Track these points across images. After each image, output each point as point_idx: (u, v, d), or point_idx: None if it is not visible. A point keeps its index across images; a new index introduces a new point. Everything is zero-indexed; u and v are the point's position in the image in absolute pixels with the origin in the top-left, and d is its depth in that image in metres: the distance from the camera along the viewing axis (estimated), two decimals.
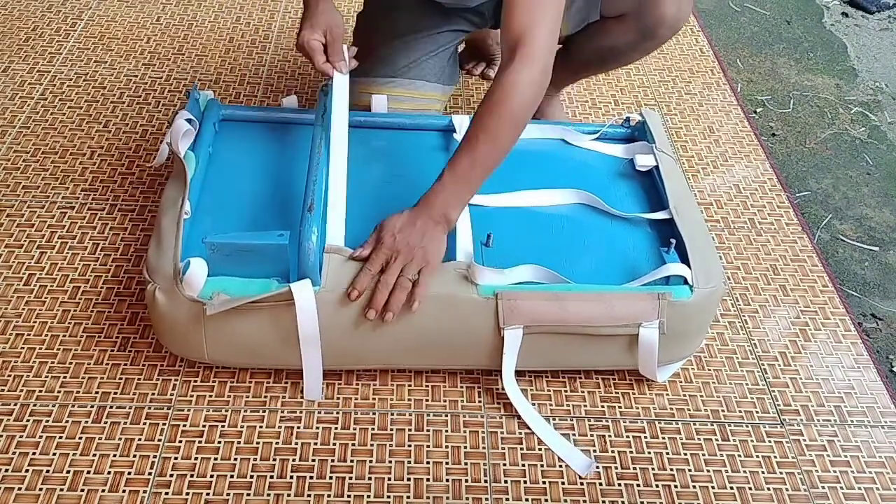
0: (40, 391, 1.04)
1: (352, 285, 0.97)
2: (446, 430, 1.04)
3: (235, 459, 0.98)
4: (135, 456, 0.98)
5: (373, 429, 1.03)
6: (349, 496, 0.96)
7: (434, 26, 1.35)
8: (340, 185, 1.08)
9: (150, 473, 0.96)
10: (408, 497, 0.96)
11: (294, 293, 0.95)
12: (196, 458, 0.98)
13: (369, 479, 0.98)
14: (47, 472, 0.95)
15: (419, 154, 1.26)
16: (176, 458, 0.98)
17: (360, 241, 1.02)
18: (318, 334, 0.98)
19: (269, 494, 0.95)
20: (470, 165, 1.01)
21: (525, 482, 0.99)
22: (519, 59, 1.00)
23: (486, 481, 0.99)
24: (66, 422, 1.01)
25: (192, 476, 0.96)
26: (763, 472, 1.02)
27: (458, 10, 1.33)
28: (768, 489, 1.01)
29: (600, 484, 0.99)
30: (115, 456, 0.98)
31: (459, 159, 1.02)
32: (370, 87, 1.32)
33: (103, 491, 0.94)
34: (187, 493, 0.95)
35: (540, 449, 1.02)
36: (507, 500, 0.97)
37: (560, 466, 1.01)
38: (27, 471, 0.95)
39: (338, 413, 1.05)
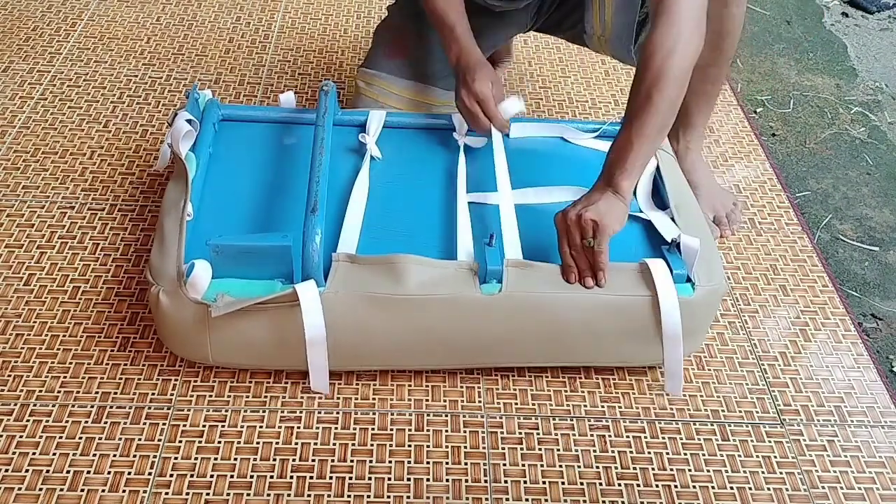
0: (40, 391, 1.04)
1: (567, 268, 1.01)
2: (446, 430, 1.04)
3: (235, 459, 0.98)
4: (135, 456, 0.98)
5: (373, 429, 1.03)
6: (349, 496, 0.96)
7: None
8: (361, 198, 1.11)
9: (150, 473, 0.96)
10: (408, 497, 0.96)
11: (299, 294, 0.95)
12: (196, 458, 0.98)
13: (369, 479, 0.98)
14: (47, 472, 0.95)
15: (419, 153, 1.26)
16: (176, 458, 0.98)
17: (364, 241, 1.01)
18: (323, 335, 0.98)
19: (269, 494, 0.95)
20: (637, 140, 1.00)
21: (525, 482, 0.99)
22: (660, 23, 0.99)
23: (486, 481, 0.99)
24: (66, 422, 1.01)
25: (192, 476, 0.96)
26: (763, 472, 1.02)
27: (502, 15, 1.31)
28: (768, 489, 1.01)
29: (600, 484, 0.99)
30: (115, 456, 0.97)
31: (628, 138, 1.00)
32: (405, 91, 1.31)
33: (103, 491, 0.94)
34: (187, 493, 0.94)
35: (540, 449, 1.02)
36: (507, 500, 0.97)
37: (560, 466, 1.01)
38: (27, 471, 0.95)
39: (338, 413, 1.05)
